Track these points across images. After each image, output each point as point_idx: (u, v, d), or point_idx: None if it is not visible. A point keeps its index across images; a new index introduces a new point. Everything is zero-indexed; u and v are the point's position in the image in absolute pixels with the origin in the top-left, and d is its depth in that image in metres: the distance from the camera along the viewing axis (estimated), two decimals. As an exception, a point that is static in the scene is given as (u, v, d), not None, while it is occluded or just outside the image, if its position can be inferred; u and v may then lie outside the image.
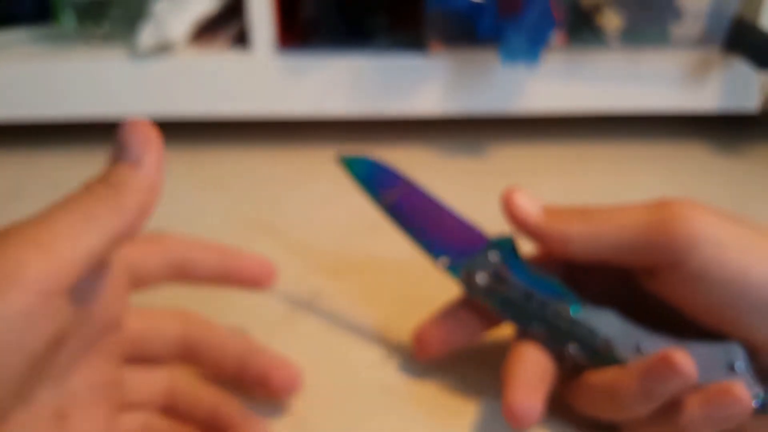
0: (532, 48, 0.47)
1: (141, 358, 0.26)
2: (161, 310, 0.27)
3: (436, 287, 0.36)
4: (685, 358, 0.23)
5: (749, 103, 0.53)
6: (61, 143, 0.55)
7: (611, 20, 0.49)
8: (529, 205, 0.27)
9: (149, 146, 0.21)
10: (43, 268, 0.18)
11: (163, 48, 0.50)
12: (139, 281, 0.26)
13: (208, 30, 0.52)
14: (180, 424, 0.26)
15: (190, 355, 0.27)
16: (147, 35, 0.49)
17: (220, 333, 0.27)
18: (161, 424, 0.25)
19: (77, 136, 0.56)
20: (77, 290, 0.20)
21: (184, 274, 0.27)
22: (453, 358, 0.31)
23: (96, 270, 0.21)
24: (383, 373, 0.31)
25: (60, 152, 0.54)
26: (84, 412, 0.22)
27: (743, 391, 0.23)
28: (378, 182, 0.29)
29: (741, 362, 0.25)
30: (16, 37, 0.56)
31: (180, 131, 0.56)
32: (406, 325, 0.33)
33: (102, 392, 0.23)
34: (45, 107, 0.51)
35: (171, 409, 0.26)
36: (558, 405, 0.28)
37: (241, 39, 0.51)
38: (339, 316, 0.34)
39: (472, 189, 0.49)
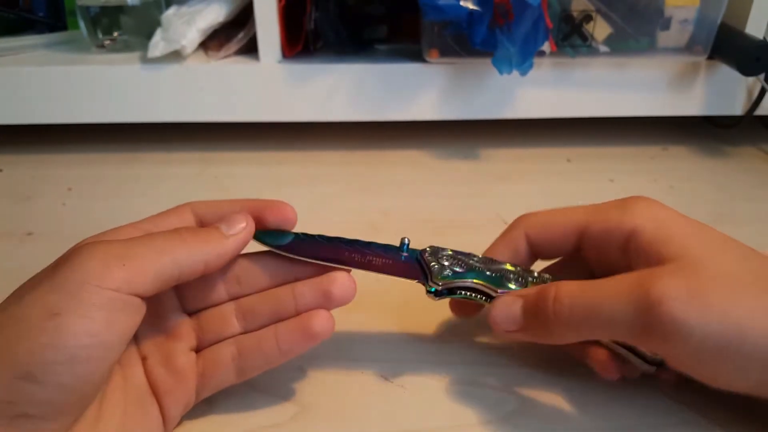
0: (525, 56, 0.48)
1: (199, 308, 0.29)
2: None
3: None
4: None
5: (735, 107, 0.55)
6: (72, 146, 0.57)
7: (600, 28, 0.51)
8: (507, 324, 0.28)
9: (244, 232, 0.27)
10: (118, 276, 0.23)
11: (173, 55, 0.51)
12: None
13: (215, 39, 0.53)
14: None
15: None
16: (157, 43, 0.50)
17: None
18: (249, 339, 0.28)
19: (89, 139, 0.58)
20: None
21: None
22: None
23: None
24: (383, 365, 0.32)
25: (72, 155, 0.56)
26: (166, 351, 0.28)
27: None
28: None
29: None
30: (31, 42, 0.58)
31: (189, 134, 0.58)
32: (404, 319, 0.35)
33: (178, 336, 0.28)
34: (57, 111, 0.53)
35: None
36: (557, 404, 0.30)
37: (249, 48, 0.53)
38: (339, 312, 0.36)
39: (467, 189, 0.51)
